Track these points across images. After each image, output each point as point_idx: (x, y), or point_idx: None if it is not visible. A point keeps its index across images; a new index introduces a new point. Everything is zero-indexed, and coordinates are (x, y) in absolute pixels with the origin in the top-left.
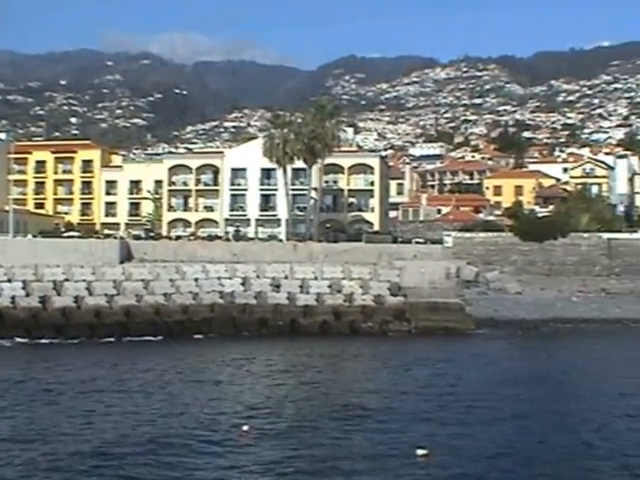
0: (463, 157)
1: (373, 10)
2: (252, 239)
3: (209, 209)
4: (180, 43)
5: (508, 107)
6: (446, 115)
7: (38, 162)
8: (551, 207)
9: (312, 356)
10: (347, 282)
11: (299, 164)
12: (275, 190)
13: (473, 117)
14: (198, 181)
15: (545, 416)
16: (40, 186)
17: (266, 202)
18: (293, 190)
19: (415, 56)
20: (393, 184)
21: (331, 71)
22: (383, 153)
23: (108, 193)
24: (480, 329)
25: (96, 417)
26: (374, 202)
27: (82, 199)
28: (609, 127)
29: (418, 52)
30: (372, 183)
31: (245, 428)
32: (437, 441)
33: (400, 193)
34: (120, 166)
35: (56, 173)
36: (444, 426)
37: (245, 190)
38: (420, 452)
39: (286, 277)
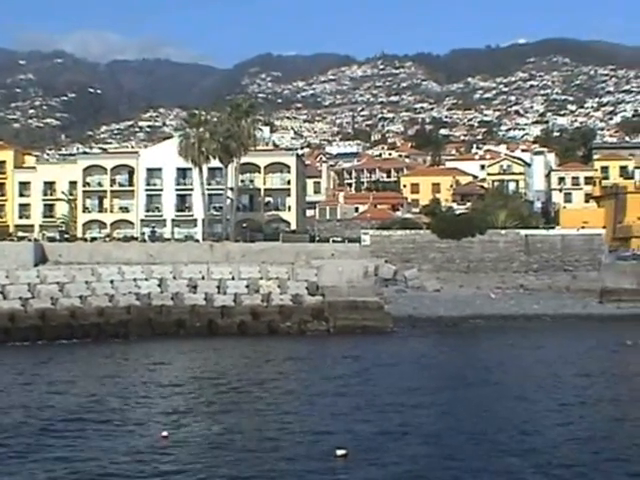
0: (380, 155)
1: (289, 7)
2: (168, 240)
3: (124, 210)
4: (94, 42)
5: (425, 104)
6: (363, 113)
7: None
8: (468, 204)
9: (229, 357)
10: (265, 282)
11: (215, 163)
12: (191, 190)
13: (390, 115)
14: (113, 182)
15: (465, 414)
16: None
17: (182, 202)
18: (209, 190)
19: (331, 54)
20: (310, 183)
21: (247, 69)
22: (300, 152)
23: (21, 195)
24: (399, 327)
25: None
26: (291, 201)
27: None
28: (526, 124)
29: (334, 50)
30: (289, 182)
31: (164, 434)
32: (357, 441)
33: (317, 192)
34: (34, 167)
35: None
36: (363, 426)
37: (161, 190)
38: (340, 452)
39: (203, 278)
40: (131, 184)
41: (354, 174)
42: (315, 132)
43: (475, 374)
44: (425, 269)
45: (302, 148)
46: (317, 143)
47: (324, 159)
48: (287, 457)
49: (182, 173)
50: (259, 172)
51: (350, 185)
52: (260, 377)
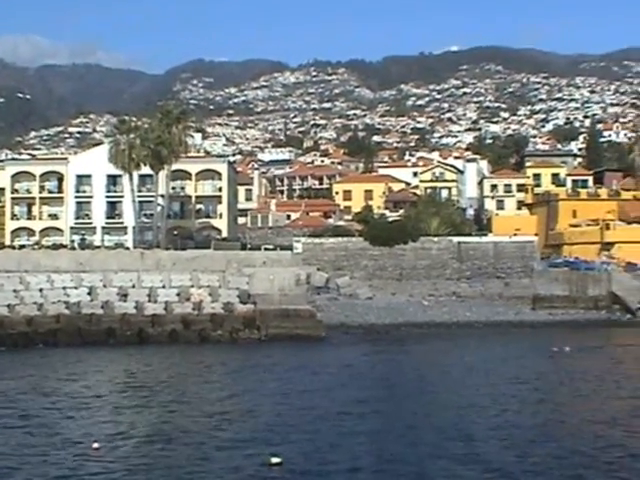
0: (312, 162)
1: (222, 13)
2: (98, 247)
3: (54, 217)
4: (23, 46)
5: (358, 111)
6: (295, 120)
7: None
8: (401, 211)
9: (158, 366)
10: (196, 290)
11: (146, 170)
12: (121, 197)
13: (322, 121)
14: (42, 188)
15: (398, 421)
16: None
17: (112, 209)
18: (140, 197)
19: (264, 60)
20: (242, 190)
21: (179, 75)
22: (231, 159)
23: None
24: (331, 335)
25: None
26: (222, 208)
27: None
28: (458, 131)
29: (267, 56)
30: (220, 189)
31: (95, 445)
32: (291, 449)
33: (249, 199)
34: None
35: None
36: (296, 433)
37: (90, 197)
38: (274, 460)
39: (133, 286)
40: (60, 191)
41: (286, 181)
42: (247, 139)
43: (405, 381)
44: (357, 277)
45: (234, 155)
46: (249, 150)
47: (256, 166)
48: (221, 466)
49: (112, 180)
50: (190, 179)
51: (282, 192)
52: (189, 386)
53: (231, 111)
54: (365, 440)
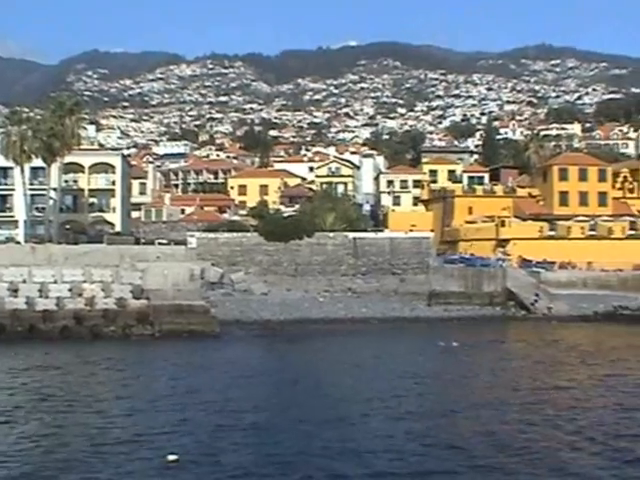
0: (208, 156)
1: (118, 3)
2: None
3: None
4: None
5: (254, 105)
6: (191, 113)
7: None
8: (297, 206)
9: (50, 364)
10: (88, 285)
11: (38, 163)
12: (12, 190)
13: (218, 115)
14: None
15: (291, 416)
16: None
17: (3, 202)
18: (31, 190)
19: (160, 52)
20: (136, 184)
21: (73, 66)
22: (126, 152)
23: None
24: (226, 331)
25: None
26: (116, 202)
27: None
28: (355, 126)
29: (163, 47)
30: (114, 183)
31: None
32: (187, 446)
33: (143, 193)
34: None
35: None
36: (193, 430)
37: None
38: (170, 458)
39: (24, 281)
40: None
41: (181, 175)
42: (142, 132)
43: (298, 377)
44: (252, 272)
45: (128, 148)
46: (144, 143)
47: (150, 159)
48: (117, 465)
49: (3, 172)
50: (83, 172)
51: (177, 186)
52: (79, 385)
53: (126, 103)
54: (259, 436)
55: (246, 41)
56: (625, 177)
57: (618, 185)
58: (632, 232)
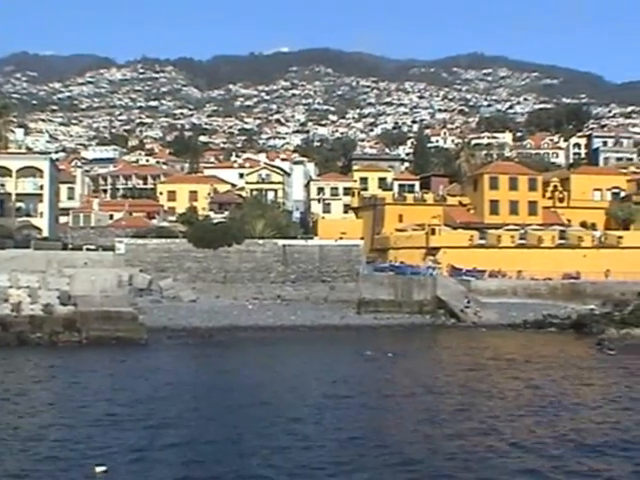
0: (137, 161)
1: (48, 4)
2: None
3: None
4: None
5: (185, 110)
6: (121, 117)
7: None
8: (226, 213)
9: None
10: (15, 291)
11: None
12: None
13: (149, 120)
14: None
15: (216, 427)
16: None
17: None
18: None
19: (90, 55)
20: (64, 188)
21: (1, 68)
22: (54, 156)
23: None
24: (154, 338)
25: None
26: (43, 207)
27: None
28: (286, 133)
29: (94, 51)
30: (41, 187)
31: None
32: (115, 458)
33: (71, 198)
34: None
35: None
36: (120, 442)
37: None
38: (99, 469)
39: None
40: None
41: (110, 180)
42: (71, 136)
43: (225, 385)
44: (181, 279)
45: (57, 152)
46: (72, 147)
47: (79, 164)
48: (46, 476)
49: None
50: (10, 176)
51: (105, 191)
52: (5, 392)
53: (55, 107)
54: (188, 445)
55: (178, 45)
56: (555, 186)
57: (548, 194)
58: (562, 241)
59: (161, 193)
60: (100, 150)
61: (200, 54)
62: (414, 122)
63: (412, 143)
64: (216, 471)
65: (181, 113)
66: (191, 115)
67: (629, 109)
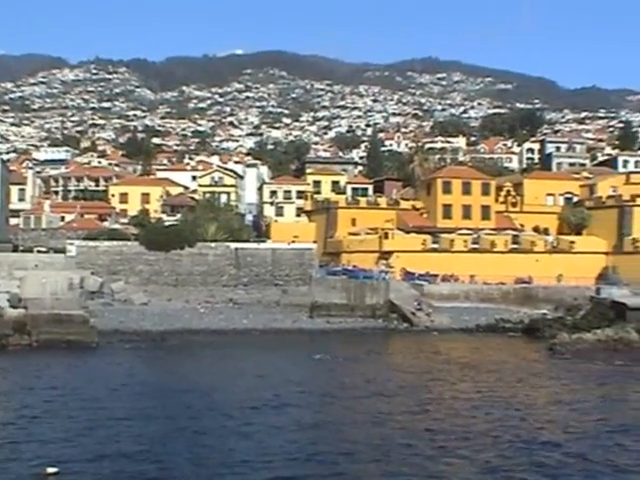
0: (89, 163)
1: None
2: None
3: None
4: None
5: (138, 112)
6: (73, 118)
7: None
8: (179, 216)
9: None
10: None
11: None
12: None
13: (101, 121)
14: None
15: (167, 429)
16: None
17: None
18: None
19: (42, 55)
20: (14, 190)
21: None
22: (5, 157)
23: None
24: (105, 341)
25: None
26: None
27: None
28: (240, 136)
29: (46, 51)
30: None
31: None
32: (66, 458)
33: (22, 199)
34: None
35: None
36: (72, 443)
37: None
38: (50, 470)
39: None
40: None
41: (61, 182)
42: (22, 137)
43: (175, 388)
44: (132, 282)
45: (7, 153)
46: (24, 148)
47: (30, 165)
48: None
49: None
50: None
51: (57, 193)
52: None
53: (6, 107)
54: (138, 447)
55: (131, 46)
56: (508, 191)
57: (501, 199)
58: (514, 246)
59: (113, 195)
60: (52, 151)
61: (154, 55)
62: (368, 126)
63: (366, 147)
64: (170, 472)
65: (134, 114)
66: (144, 117)
67: (582, 115)
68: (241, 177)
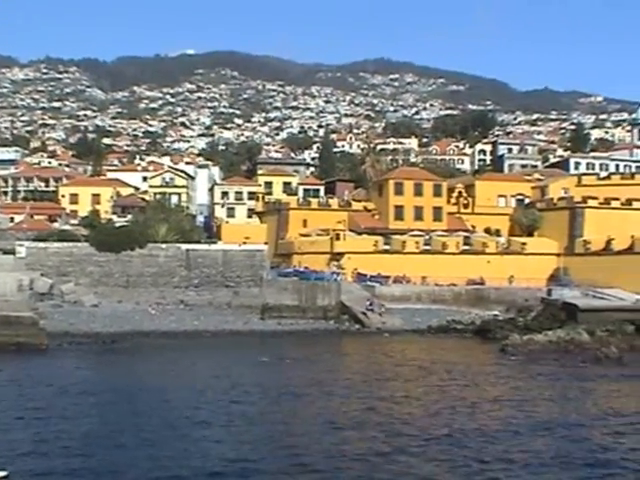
0: (39, 163)
1: None
2: None
3: None
4: None
5: (88, 112)
6: (23, 118)
7: None
8: (129, 217)
9: None
10: None
11: None
12: None
13: (51, 121)
14: None
15: (116, 431)
16: None
17: None
18: None
19: None
20: None
21: None
22: None
23: None
24: (55, 343)
25: None
26: None
27: None
28: (191, 136)
29: None
30: None
31: None
32: (16, 462)
33: None
34: None
35: None
36: (22, 447)
37: None
38: (0, 474)
39: None
40: None
41: (11, 182)
42: None
43: (124, 391)
44: (83, 283)
45: None
46: None
47: None
48: None
49: None
50: None
51: (6, 194)
52: None
53: None
54: (86, 447)
55: (82, 45)
56: (460, 192)
57: (453, 200)
58: (466, 247)
59: (63, 196)
60: (1, 151)
61: (105, 55)
62: (320, 127)
63: (318, 148)
64: (118, 469)
65: (85, 115)
66: (95, 117)
67: (534, 116)
68: (192, 178)
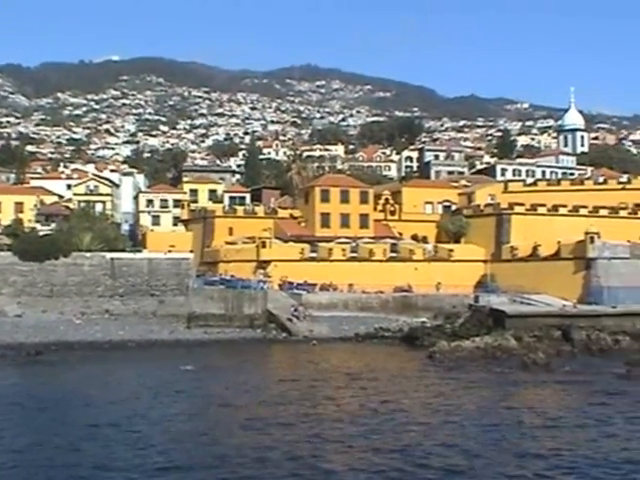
0: None
1: None
2: None
3: None
4: None
5: (11, 119)
6: None
7: None
8: (53, 225)
9: None
10: None
11: None
12: None
13: None
14: None
15: (41, 443)
16: None
17: None
18: None
19: None
20: None
21: None
22: None
23: None
24: None
25: None
26: None
27: None
28: (116, 143)
29: None
30: None
31: None
32: None
33: None
34: None
35: None
36: None
37: None
38: None
39: None
40: None
41: None
42: None
43: (47, 403)
44: (5, 293)
45: None
46: None
47: None
48: None
49: None
50: None
51: None
52: None
53: None
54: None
55: (4, 51)
56: (387, 199)
57: (380, 207)
58: (393, 254)
59: None
60: None
61: (28, 60)
62: (246, 133)
63: (244, 155)
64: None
65: (7, 121)
66: (18, 124)
67: (461, 123)
68: (117, 186)
